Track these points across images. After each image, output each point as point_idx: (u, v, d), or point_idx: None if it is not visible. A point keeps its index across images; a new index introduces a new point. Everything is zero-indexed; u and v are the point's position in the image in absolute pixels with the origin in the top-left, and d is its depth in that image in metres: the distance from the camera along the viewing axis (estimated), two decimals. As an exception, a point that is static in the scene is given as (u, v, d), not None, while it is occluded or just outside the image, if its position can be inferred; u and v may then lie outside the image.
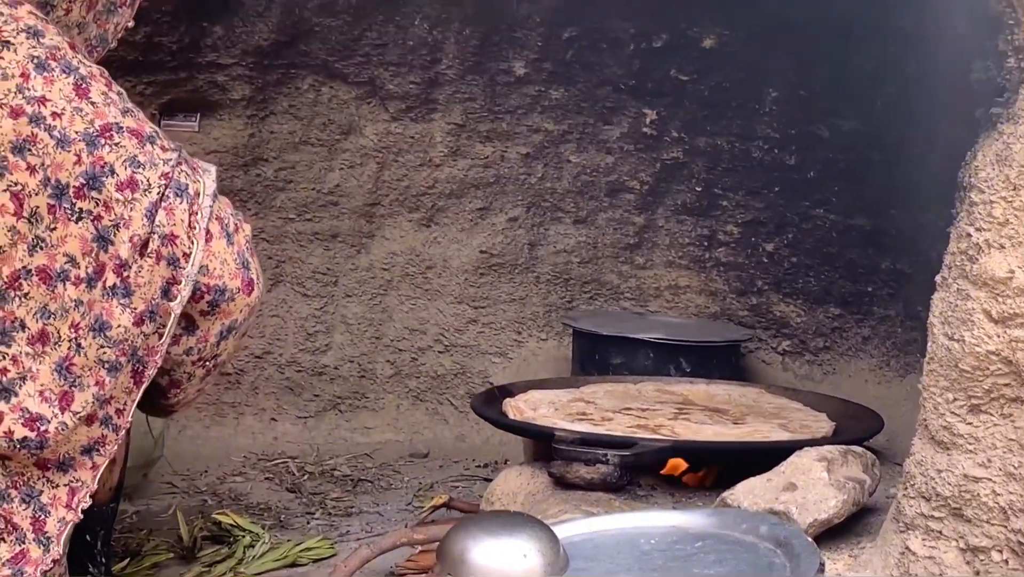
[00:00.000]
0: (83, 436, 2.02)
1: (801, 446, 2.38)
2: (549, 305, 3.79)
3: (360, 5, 3.56)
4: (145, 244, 1.97)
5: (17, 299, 2.00)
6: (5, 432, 1.98)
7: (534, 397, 2.93)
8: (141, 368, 2.07)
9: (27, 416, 1.99)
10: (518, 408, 2.80)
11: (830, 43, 3.36)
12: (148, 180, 1.98)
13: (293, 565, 2.70)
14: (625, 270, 3.79)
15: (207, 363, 2.14)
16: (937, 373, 2.03)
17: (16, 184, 1.98)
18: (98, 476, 2.07)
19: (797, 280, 3.66)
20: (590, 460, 2.37)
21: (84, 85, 2.04)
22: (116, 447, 2.06)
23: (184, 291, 2.00)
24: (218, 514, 2.89)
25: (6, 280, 1.99)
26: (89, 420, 2.02)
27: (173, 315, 2.02)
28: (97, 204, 1.97)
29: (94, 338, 1.98)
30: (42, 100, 2.01)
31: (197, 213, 1.98)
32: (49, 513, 2.05)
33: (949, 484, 1.95)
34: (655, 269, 3.77)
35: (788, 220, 3.65)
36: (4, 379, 2.02)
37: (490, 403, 2.90)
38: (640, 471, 2.48)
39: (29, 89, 2.01)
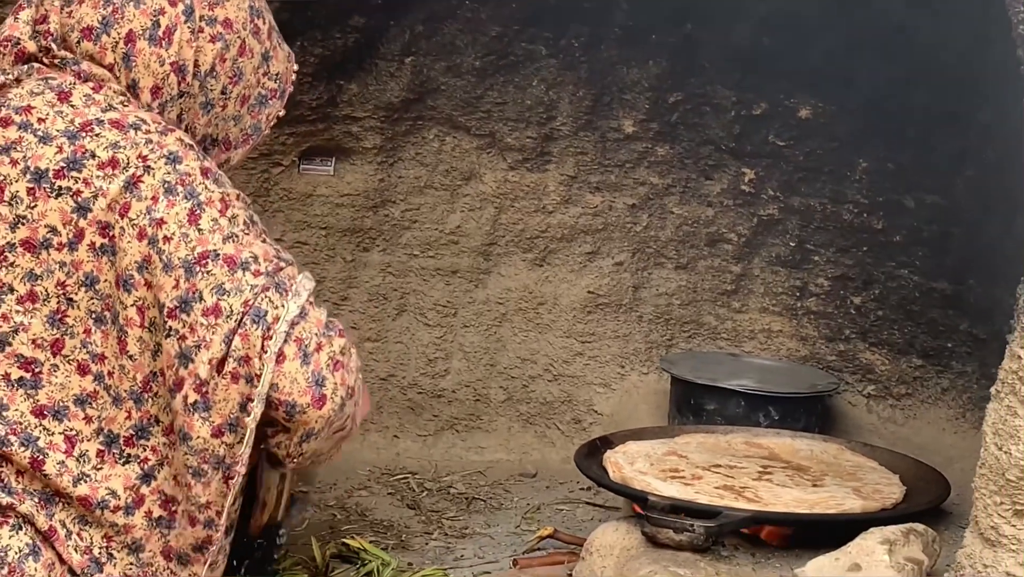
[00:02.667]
0: (191, 537, 2.23)
1: (867, 521, 2.67)
2: (651, 342, 3.97)
3: (483, 67, 3.78)
4: (222, 364, 2.21)
5: (150, 400, 2.27)
6: (146, 512, 2.22)
7: (631, 450, 3.15)
8: (230, 474, 2.30)
9: (163, 498, 2.28)
10: (617, 464, 3.02)
11: (915, 126, 3.49)
12: (231, 307, 2.18)
13: (413, 592, 2.94)
14: (722, 313, 3.95)
15: (294, 460, 2.36)
16: (987, 477, 2.22)
17: (141, 300, 2.24)
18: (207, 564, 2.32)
19: (882, 332, 3.79)
20: (678, 528, 2.66)
21: (198, 212, 2.17)
22: (221, 544, 2.26)
23: (256, 408, 2.20)
24: (348, 539, 3.14)
25: (140, 385, 2.27)
26: (191, 521, 2.23)
27: (248, 428, 2.24)
28: (184, 325, 2.20)
29: (180, 445, 2.25)
30: (160, 223, 2.21)
31: (271, 338, 2.21)
32: None
33: (993, 579, 2.13)
34: (750, 314, 3.93)
35: (875, 278, 3.78)
36: (146, 467, 2.29)
37: (592, 454, 3.12)
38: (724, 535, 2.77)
39: (155, 211, 2.22)
